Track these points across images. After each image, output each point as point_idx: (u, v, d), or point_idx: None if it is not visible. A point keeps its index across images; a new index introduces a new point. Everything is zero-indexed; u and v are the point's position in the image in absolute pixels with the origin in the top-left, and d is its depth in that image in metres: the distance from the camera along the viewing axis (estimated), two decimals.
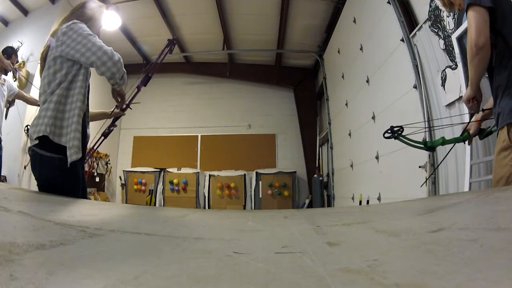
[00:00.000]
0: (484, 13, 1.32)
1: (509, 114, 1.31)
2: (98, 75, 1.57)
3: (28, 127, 5.02)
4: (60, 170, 1.53)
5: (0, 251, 0.46)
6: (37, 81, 5.14)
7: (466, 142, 1.74)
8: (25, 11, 5.53)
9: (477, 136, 1.74)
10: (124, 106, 2.17)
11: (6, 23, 5.66)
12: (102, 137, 2.26)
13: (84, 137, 1.67)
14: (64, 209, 1.17)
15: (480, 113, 1.61)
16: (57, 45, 1.57)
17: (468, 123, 1.69)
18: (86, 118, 1.69)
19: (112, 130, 2.24)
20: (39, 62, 1.69)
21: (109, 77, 1.56)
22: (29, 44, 5.30)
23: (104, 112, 2.12)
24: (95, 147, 2.23)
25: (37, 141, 1.52)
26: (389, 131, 1.89)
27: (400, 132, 1.87)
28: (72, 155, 1.50)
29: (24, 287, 0.36)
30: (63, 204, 1.30)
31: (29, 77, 5.12)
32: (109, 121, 2.37)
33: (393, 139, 1.88)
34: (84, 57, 1.53)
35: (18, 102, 5.14)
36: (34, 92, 5.09)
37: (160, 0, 5.69)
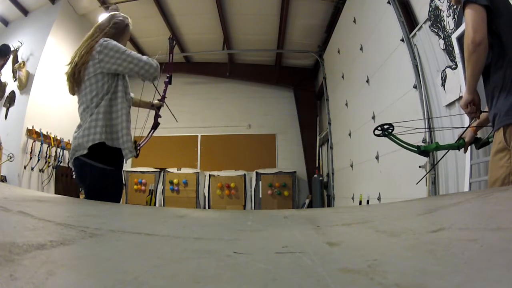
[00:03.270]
0: (481, 11, 1.32)
1: (505, 115, 1.30)
2: (141, 79, 1.84)
3: (31, 127, 5.02)
4: (111, 180, 1.75)
5: (0, 251, 0.46)
6: (38, 83, 5.13)
7: (462, 149, 1.72)
8: (25, 11, 5.53)
9: (473, 145, 1.73)
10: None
11: (6, 23, 5.66)
12: (152, 130, 2.44)
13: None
14: (64, 209, 1.17)
15: (477, 121, 1.60)
16: (94, 63, 1.72)
17: (465, 130, 1.68)
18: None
19: (159, 124, 2.45)
20: (67, 81, 1.83)
21: (151, 80, 1.84)
22: (29, 44, 5.30)
23: (148, 102, 2.35)
24: (145, 140, 2.36)
25: (85, 151, 1.67)
26: (379, 128, 1.86)
27: (390, 130, 1.84)
28: (128, 154, 1.75)
29: (24, 287, 0.36)
30: (63, 204, 1.31)
31: (29, 77, 5.12)
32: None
33: (388, 139, 1.86)
34: (127, 68, 1.73)
35: (18, 102, 5.15)
36: (35, 92, 5.10)
37: (160, 0, 5.69)
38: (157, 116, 2.42)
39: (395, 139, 1.84)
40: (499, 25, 1.35)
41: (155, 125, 2.44)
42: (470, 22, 1.33)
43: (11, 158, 4.70)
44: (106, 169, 1.71)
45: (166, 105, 2.50)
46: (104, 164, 1.71)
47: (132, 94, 2.14)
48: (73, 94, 1.84)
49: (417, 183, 2.20)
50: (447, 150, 1.78)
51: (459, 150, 1.75)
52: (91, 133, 1.67)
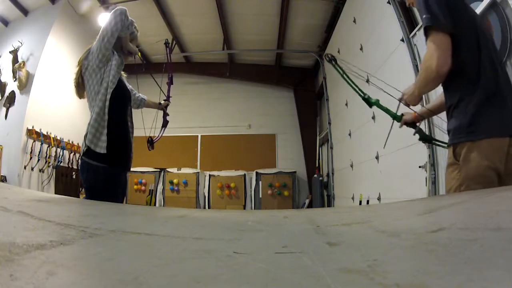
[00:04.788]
0: (447, 40, 1.32)
1: (453, 134, 1.37)
2: (120, 33, 1.81)
3: (31, 127, 5.02)
4: (107, 178, 1.77)
5: (0, 251, 0.46)
6: (38, 83, 5.14)
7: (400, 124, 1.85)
8: (25, 11, 5.53)
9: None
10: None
11: (6, 23, 5.66)
12: (163, 128, 2.63)
13: (124, 137, 1.92)
14: (64, 209, 1.17)
15: (421, 109, 1.75)
16: (87, 69, 1.81)
17: (398, 104, 1.81)
18: (126, 118, 1.95)
19: (168, 122, 2.66)
20: (74, 87, 1.91)
21: (124, 29, 1.80)
22: (29, 44, 5.30)
23: (156, 102, 2.50)
24: (158, 137, 2.56)
25: (84, 146, 1.74)
26: (329, 56, 2.12)
27: (334, 60, 2.14)
28: (87, 140, 1.72)
29: (24, 287, 0.36)
30: (63, 204, 1.31)
31: (29, 77, 5.12)
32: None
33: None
34: (103, 45, 1.73)
35: (18, 102, 5.15)
36: (35, 92, 5.10)
37: (160, 0, 5.69)
38: (165, 115, 2.61)
39: (341, 72, 2.07)
40: (462, 47, 1.35)
41: (165, 123, 2.63)
42: (435, 52, 1.33)
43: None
44: (100, 166, 1.73)
45: (169, 96, 2.72)
46: (101, 162, 1.73)
47: (145, 96, 2.30)
48: (81, 98, 1.94)
49: (383, 145, 2.29)
50: (391, 121, 1.93)
51: (394, 120, 1.89)
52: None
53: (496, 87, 1.33)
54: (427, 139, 1.87)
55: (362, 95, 1.98)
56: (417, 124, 1.80)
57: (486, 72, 1.33)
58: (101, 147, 1.71)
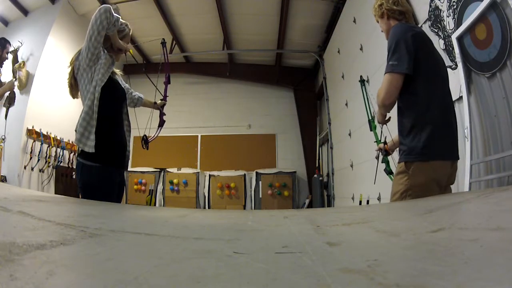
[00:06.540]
0: (399, 80, 1.57)
1: (409, 154, 1.61)
2: (107, 31, 1.77)
3: (31, 127, 5.02)
4: (97, 176, 1.76)
5: (0, 251, 0.46)
6: (38, 83, 5.14)
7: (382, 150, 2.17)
8: (25, 11, 5.53)
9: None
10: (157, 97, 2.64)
11: (6, 23, 5.66)
12: (160, 127, 2.64)
13: (119, 137, 1.93)
14: (64, 209, 1.17)
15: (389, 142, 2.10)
16: (78, 69, 1.81)
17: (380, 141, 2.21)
18: (121, 116, 1.97)
19: (164, 121, 2.66)
20: (68, 87, 1.92)
21: (110, 26, 1.74)
22: (29, 44, 5.29)
23: (152, 102, 2.50)
24: (154, 136, 2.57)
25: (79, 147, 1.77)
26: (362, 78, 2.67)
27: (364, 82, 2.77)
28: (76, 138, 1.74)
29: (24, 287, 0.36)
30: (63, 204, 1.31)
31: (28, 77, 5.12)
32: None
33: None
34: (90, 44, 1.72)
35: (18, 101, 5.15)
36: (35, 92, 5.10)
37: (160, 0, 5.69)
38: (162, 114, 2.60)
39: (364, 93, 2.63)
40: (417, 86, 1.59)
41: (162, 123, 2.63)
42: (385, 87, 1.60)
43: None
44: (93, 166, 1.74)
45: (159, 90, 2.72)
46: (94, 161, 1.74)
47: (141, 95, 2.32)
48: (74, 98, 1.94)
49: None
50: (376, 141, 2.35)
51: (377, 142, 2.35)
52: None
53: (444, 118, 1.61)
54: (388, 171, 2.24)
55: (370, 117, 2.38)
56: (385, 154, 2.11)
57: (437, 105, 1.59)
58: (90, 146, 1.70)
